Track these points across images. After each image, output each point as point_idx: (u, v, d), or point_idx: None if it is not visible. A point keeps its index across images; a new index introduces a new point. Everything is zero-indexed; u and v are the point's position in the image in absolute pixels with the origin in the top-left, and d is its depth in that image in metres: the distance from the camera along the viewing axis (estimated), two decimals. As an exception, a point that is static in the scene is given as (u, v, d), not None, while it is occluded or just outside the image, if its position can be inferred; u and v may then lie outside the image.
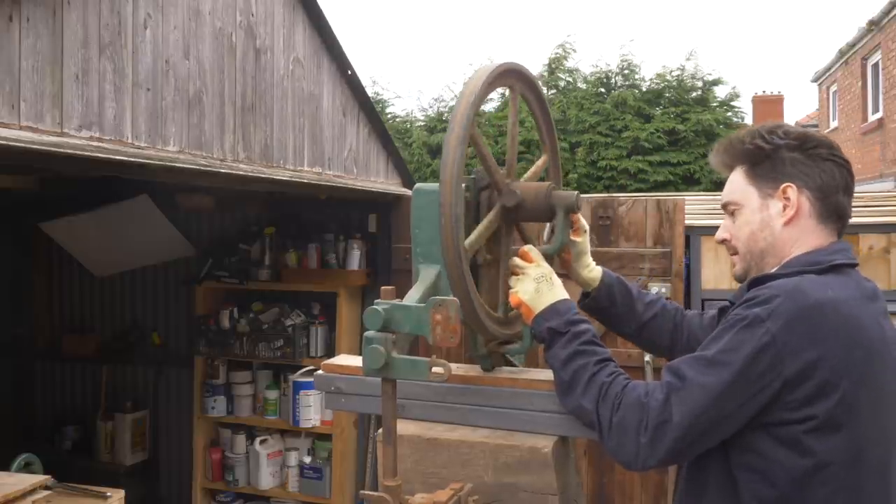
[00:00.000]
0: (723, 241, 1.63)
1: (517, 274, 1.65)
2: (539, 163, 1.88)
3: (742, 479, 1.43)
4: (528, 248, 1.68)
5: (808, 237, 1.52)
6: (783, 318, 1.36)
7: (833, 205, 1.52)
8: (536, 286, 1.61)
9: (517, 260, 1.68)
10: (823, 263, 1.47)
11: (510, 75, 1.70)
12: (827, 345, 1.36)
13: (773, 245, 1.54)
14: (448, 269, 1.51)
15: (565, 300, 1.61)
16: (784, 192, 1.52)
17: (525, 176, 1.82)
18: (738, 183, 1.58)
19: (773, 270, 1.52)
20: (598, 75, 14.31)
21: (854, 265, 1.52)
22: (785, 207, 1.52)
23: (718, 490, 1.46)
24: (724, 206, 1.62)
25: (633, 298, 1.86)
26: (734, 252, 1.61)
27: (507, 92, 1.75)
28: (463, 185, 1.67)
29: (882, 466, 1.45)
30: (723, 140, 1.66)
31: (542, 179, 1.85)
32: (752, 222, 1.55)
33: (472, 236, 1.61)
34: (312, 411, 4.56)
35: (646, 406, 1.41)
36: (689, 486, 1.54)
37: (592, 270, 1.85)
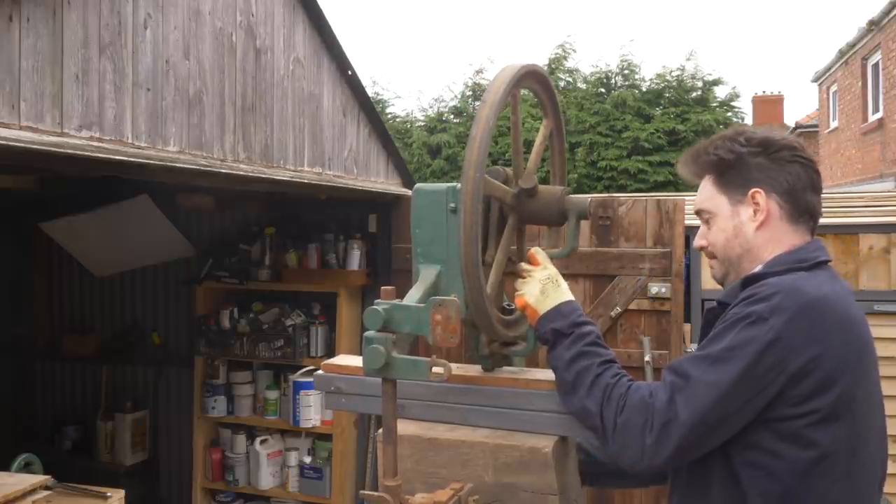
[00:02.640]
0: (701, 248, 1.67)
1: (524, 277, 1.66)
2: (540, 135, 1.87)
3: (745, 476, 1.44)
4: (535, 250, 1.69)
5: (782, 239, 1.55)
6: (786, 314, 1.38)
7: (803, 205, 1.55)
8: (542, 288, 1.62)
9: (523, 264, 1.69)
10: (809, 261, 1.51)
11: (531, 77, 1.70)
12: (827, 340, 1.40)
13: (749, 250, 1.57)
14: (463, 267, 1.50)
15: (570, 302, 1.62)
16: (753, 197, 1.55)
17: (529, 164, 1.81)
18: (708, 191, 1.62)
19: (757, 269, 1.54)
20: (598, 75, 14.33)
21: (829, 261, 1.57)
22: (755, 212, 1.55)
23: (722, 487, 1.48)
24: (698, 214, 1.66)
25: None
26: (712, 256, 1.64)
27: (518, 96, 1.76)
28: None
29: (872, 458, 1.49)
30: (688, 151, 1.69)
31: (546, 181, 1.85)
32: (725, 229, 1.59)
33: (491, 181, 1.61)
34: (312, 411, 4.56)
35: (650, 406, 1.42)
36: (691, 485, 1.55)
37: None
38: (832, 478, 1.41)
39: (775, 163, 1.54)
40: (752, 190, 1.54)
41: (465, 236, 1.48)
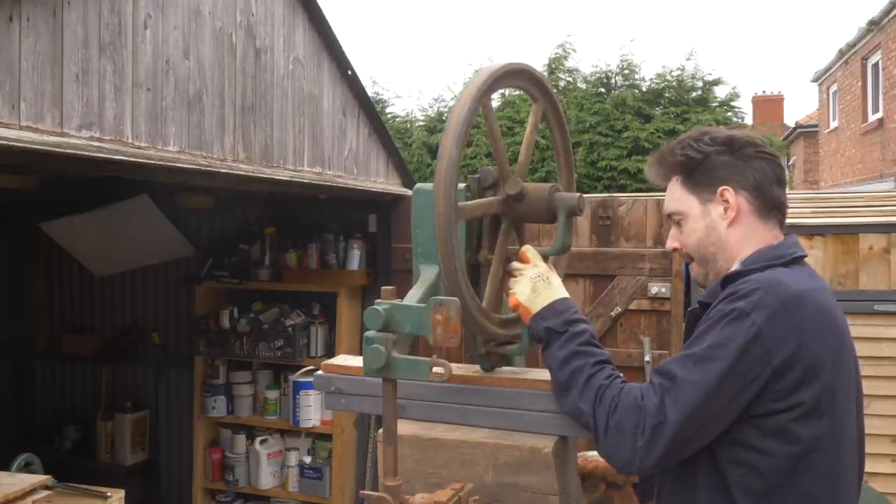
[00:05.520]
0: (674, 250, 1.68)
1: (514, 276, 1.66)
2: (529, 126, 1.84)
3: (731, 473, 1.45)
4: (525, 248, 1.69)
5: (755, 233, 1.57)
6: (767, 309, 1.40)
7: (770, 199, 1.57)
8: (533, 286, 1.61)
9: (514, 262, 1.68)
10: (786, 256, 1.53)
11: (518, 76, 1.69)
12: (807, 333, 1.41)
13: (723, 248, 1.58)
14: (442, 267, 1.50)
15: (564, 299, 1.61)
16: (722, 195, 1.57)
17: (519, 160, 1.80)
18: (677, 193, 1.63)
19: (736, 267, 1.56)
20: (598, 75, 14.30)
21: (805, 257, 1.59)
22: (726, 210, 1.57)
23: (708, 485, 1.48)
24: (669, 217, 1.67)
25: None
26: (690, 259, 1.65)
27: (508, 92, 1.75)
28: (463, 184, 1.67)
29: (853, 451, 1.51)
30: (654, 153, 1.70)
31: (545, 179, 1.84)
32: (697, 229, 1.60)
33: (468, 203, 1.61)
34: (312, 411, 4.56)
35: (642, 409, 1.43)
36: (676, 485, 1.55)
37: None
38: (816, 473, 1.43)
39: (741, 160, 1.56)
40: (721, 188, 1.56)
41: (442, 238, 1.47)
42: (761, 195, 1.56)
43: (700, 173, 1.58)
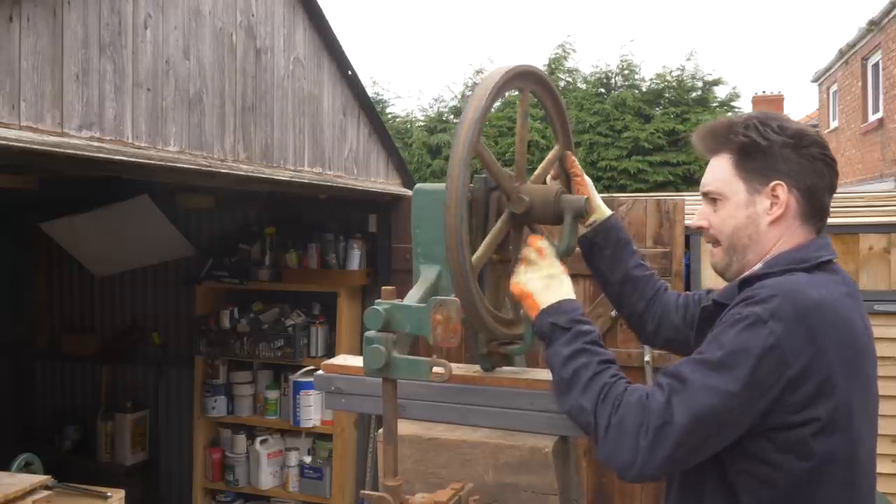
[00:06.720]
0: (700, 228, 1.60)
1: (525, 265, 1.61)
2: (550, 155, 1.86)
3: (741, 485, 1.41)
4: (543, 244, 1.64)
5: (792, 236, 1.51)
6: (785, 318, 1.34)
7: (818, 205, 1.52)
8: (547, 283, 1.58)
9: (529, 252, 1.63)
10: (811, 261, 1.47)
11: (522, 78, 1.69)
12: (823, 344, 1.35)
13: (757, 242, 1.52)
14: (451, 269, 1.50)
15: (572, 300, 1.58)
16: (774, 189, 1.49)
17: (537, 172, 1.80)
18: (724, 172, 1.54)
19: (757, 267, 1.50)
20: (598, 75, 14.33)
21: (834, 259, 1.53)
22: (773, 206, 1.50)
23: (715, 496, 1.44)
24: (706, 194, 1.58)
25: (626, 250, 1.83)
26: (716, 243, 1.58)
27: (507, 94, 1.75)
28: (470, 184, 1.67)
29: (870, 463, 1.46)
30: (710, 124, 1.62)
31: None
32: (736, 217, 1.53)
33: (481, 250, 1.60)
34: (313, 411, 4.56)
35: (647, 407, 1.37)
36: (683, 493, 1.52)
37: (600, 207, 1.83)
38: (829, 489, 1.38)
39: (804, 158, 1.48)
40: (775, 182, 1.48)
41: (453, 243, 1.46)
42: (811, 199, 1.50)
43: (758, 160, 1.49)
